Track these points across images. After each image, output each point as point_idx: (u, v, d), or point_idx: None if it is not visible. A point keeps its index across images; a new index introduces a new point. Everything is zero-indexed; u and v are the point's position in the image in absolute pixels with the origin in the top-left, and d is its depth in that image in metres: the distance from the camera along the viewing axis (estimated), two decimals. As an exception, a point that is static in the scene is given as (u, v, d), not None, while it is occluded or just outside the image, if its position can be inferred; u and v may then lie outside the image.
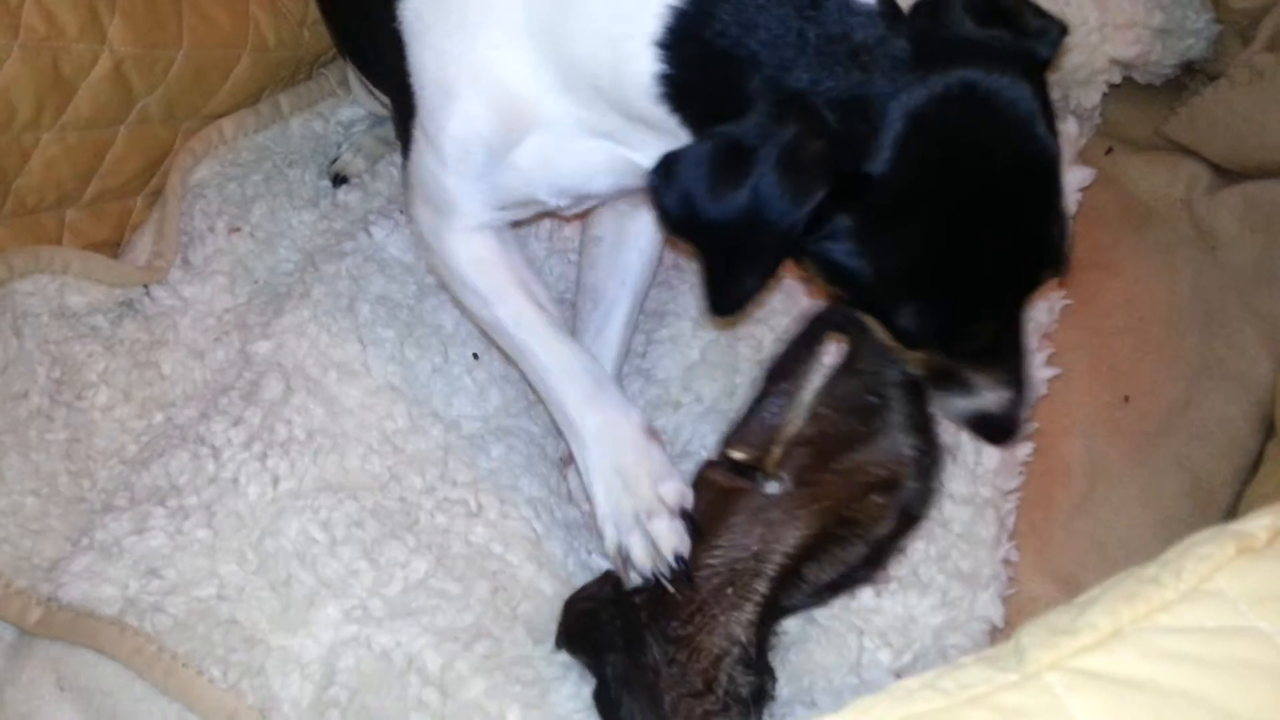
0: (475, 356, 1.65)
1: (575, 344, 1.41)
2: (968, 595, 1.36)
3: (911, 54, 1.09)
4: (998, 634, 1.35)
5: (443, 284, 1.52)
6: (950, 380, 1.27)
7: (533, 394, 1.54)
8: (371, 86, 1.74)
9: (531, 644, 1.37)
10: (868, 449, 1.32)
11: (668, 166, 1.13)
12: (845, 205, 1.09)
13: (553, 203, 1.36)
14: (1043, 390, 1.53)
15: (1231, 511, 1.50)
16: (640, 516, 1.29)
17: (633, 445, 1.33)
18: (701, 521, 1.30)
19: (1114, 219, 1.81)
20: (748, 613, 1.27)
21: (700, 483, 1.35)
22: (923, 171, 1.09)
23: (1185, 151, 1.87)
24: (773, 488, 1.32)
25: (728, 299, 1.17)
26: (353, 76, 1.95)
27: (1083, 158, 1.84)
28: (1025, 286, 1.17)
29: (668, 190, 1.13)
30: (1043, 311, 1.60)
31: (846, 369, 1.36)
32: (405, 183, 1.45)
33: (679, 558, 1.27)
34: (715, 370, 1.61)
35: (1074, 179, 1.74)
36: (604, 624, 1.31)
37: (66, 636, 1.38)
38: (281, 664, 1.34)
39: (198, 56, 1.77)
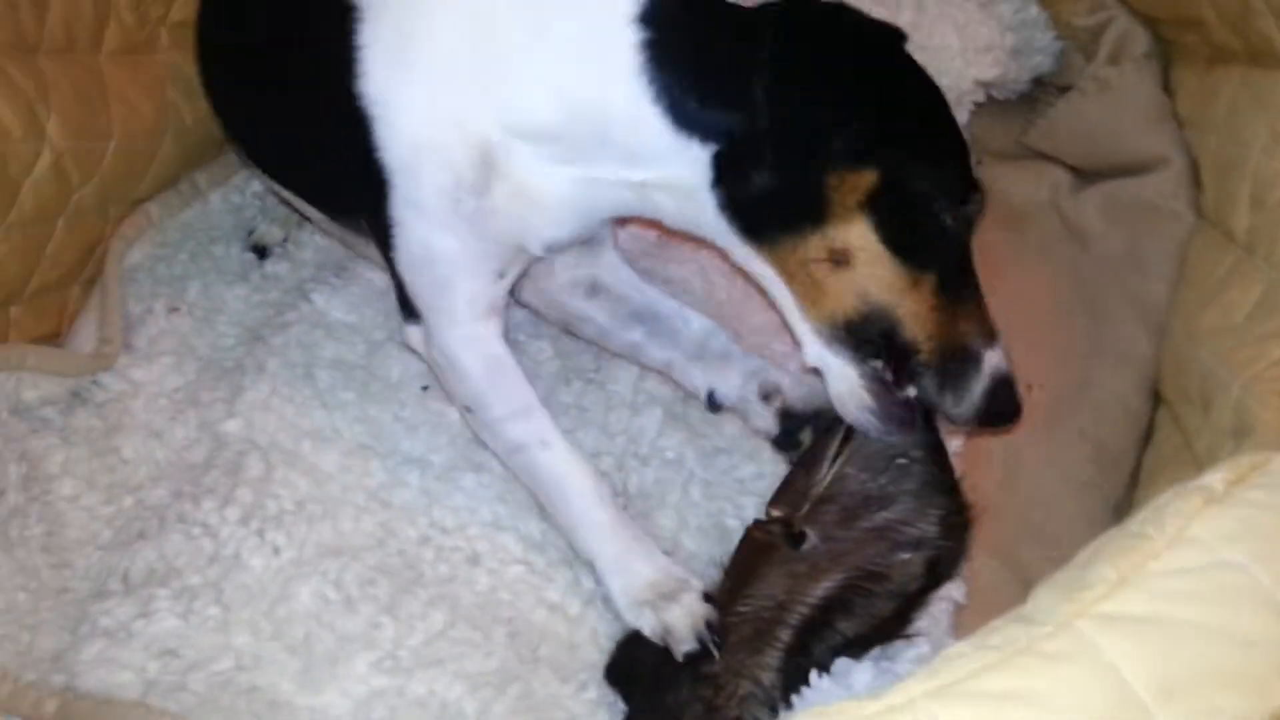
0: (424, 389, 1.75)
1: (593, 467, 1.54)
2: None
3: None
4: (961, 609, 1.50)
5: (462, 400, 1.59)
6: (956, 354, 1.38)
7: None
8: (328, 224, 1.80)
9: (559, 683, 1.46)
10: (896, 508, 1.41)
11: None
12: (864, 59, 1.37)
13: (535, 249, 1.47)
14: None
15: (1134, 475, 1.69)
16: (669, 598, 1.42)
17: (651, 563, 1.46)
18: (737, 573, 1.43)
19: (992, 225, 1.97)
20: (770, 658, 1.36)
21: (744, 538, 1.47)
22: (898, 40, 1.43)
23: (1046, 158, 2.07)
24: (804, 544, 1.41)
25: None
26: None
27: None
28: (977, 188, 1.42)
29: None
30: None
31: None
32: (399, 297, 1.55)
33: (709, 625, 1.38)
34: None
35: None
36: (643, 660, 1.42)
37: (90, 725, 1.41)
38: (310, 722, 1.41)
39: (126, 144, 1.82)
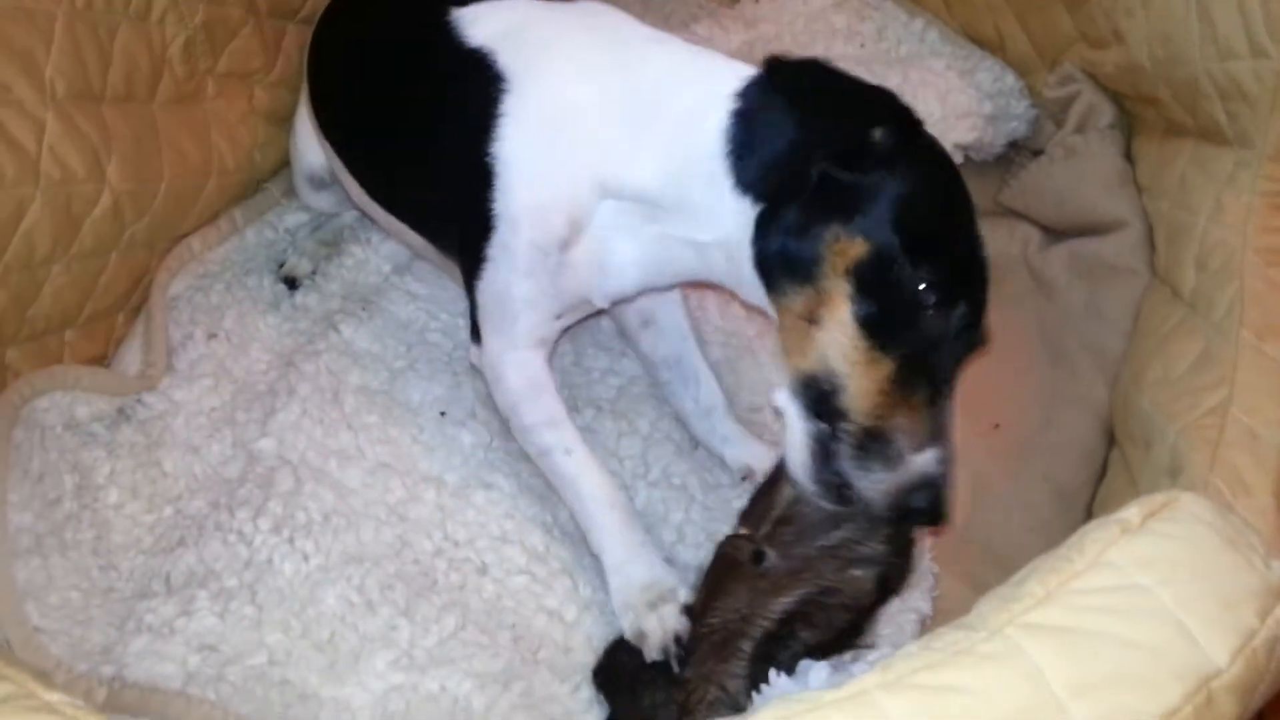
0: (442, 414, 1.92)
1: (610, 476, 1.70)
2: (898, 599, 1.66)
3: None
4: (927, 621, 1.66)
5: (500, 406, 1.77)
6: (879, 444, 1.42)
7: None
8: (396, 226, 1.99)
9: (557, 683, 1.61)
10: (848, 527, 1.48)
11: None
12: (893, 136, 1.43)
13: (598, 302, 1.69)
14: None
15: (1089, 510, 1.85)
16: (652, 605, 1.57)
17: (649, 568, 1.62)
18: (708, 586, 1.56)
19: None
20: (736, 666, 1.48)
21: (716, 553, 1.59)
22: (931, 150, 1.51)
23: (1018, 216, 2.25)
24: (765, 562, 1.51)
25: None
26: (300, 181, 2.21)
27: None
28: (974, 307, 1.44)
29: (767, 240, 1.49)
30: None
31: None
32: (472, 315, 1.73)
33: (678, 638, 1.53)
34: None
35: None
36: (625, 665, 1.56)
37: (136, 711, 1.55)
38: (335, 713, 1.55)
39: (176, 186, 1.99)
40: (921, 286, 1.40)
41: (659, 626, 1.55)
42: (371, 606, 1.65)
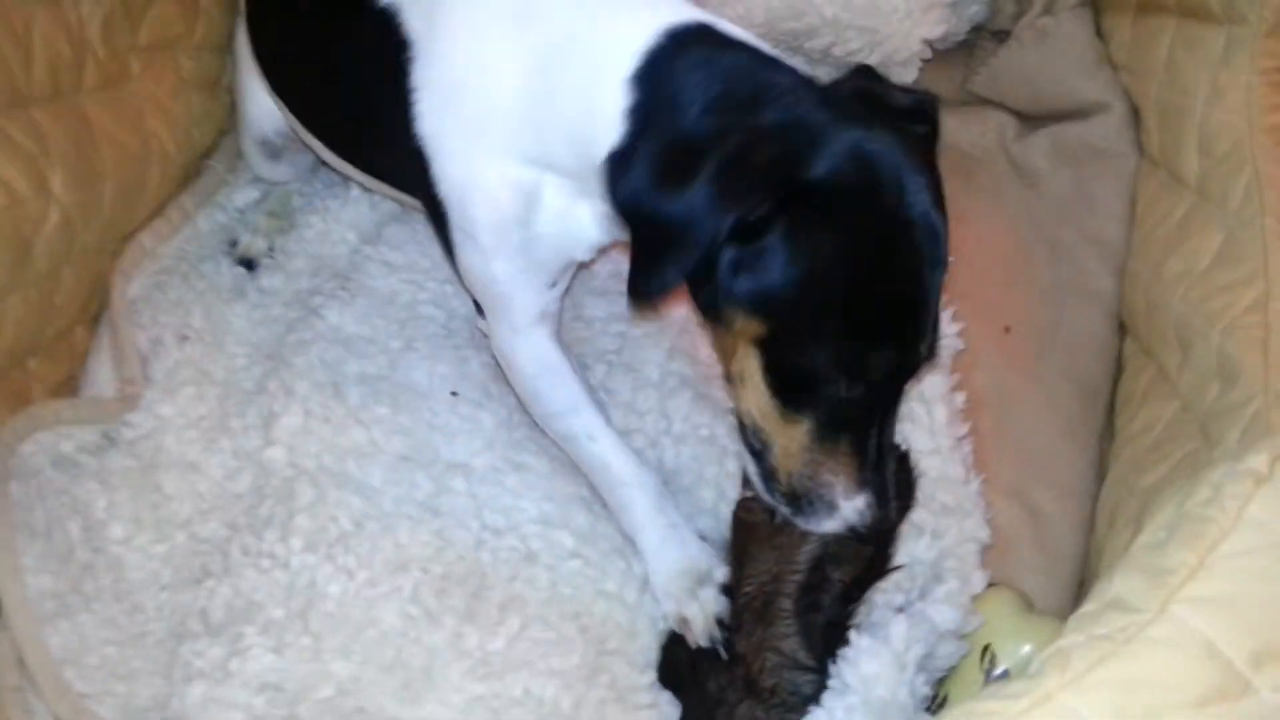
0: (454, 394, 1.82)
1: (636, 458, 1.64)
2: (954, 525, 1.65)
3: (837, 108, 1.27)
4: (988, 550, 1.66)
5: (518, 394, 1.70)
6: (806, 498, 1.39)
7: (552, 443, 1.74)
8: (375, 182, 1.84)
9: (636, 674, 1.59)
10: None
11: (621, 158, 1.27)
12: (782, 211, 1.20)
13: (582, 256, 1.55)
14: (958, 344, 1.84)
15: (1111, 403, 1.87)
16: (691, 591, 1.56)
17: (684, 551, 1.59)
18: (735, 556, 1.55)
19: (947, 172, 2.06)
20: (783, 626, 1.48)
21: (733, 522, 1.58)
22: (855, 189, 1.22)
23: (991, 104, 2.21)
24: (780, 516, 1.48)
25: (648, 286, 1.25)
26: (251, 150, 2.03)
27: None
28: (908, 357, 1.31)
29: (620, 183, 1.25)
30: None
31: None
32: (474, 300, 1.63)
33: (720, 621, 1.53)
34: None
35: (921, 150, 2.05)
36: (681, 659, 1.55)
37: (208, 766, 1.49)
38: (419, 735, 1.51)
39: (121, 182, 1.83)
40: (826, 362, 1.29)
41: (700, 612, 1.54)
42: (432, 617, 1.59)
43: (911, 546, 1.64)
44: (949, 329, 1.86)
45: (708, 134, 1.23)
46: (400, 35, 1.47)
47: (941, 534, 1.65)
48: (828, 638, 1.50)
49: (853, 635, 1.48)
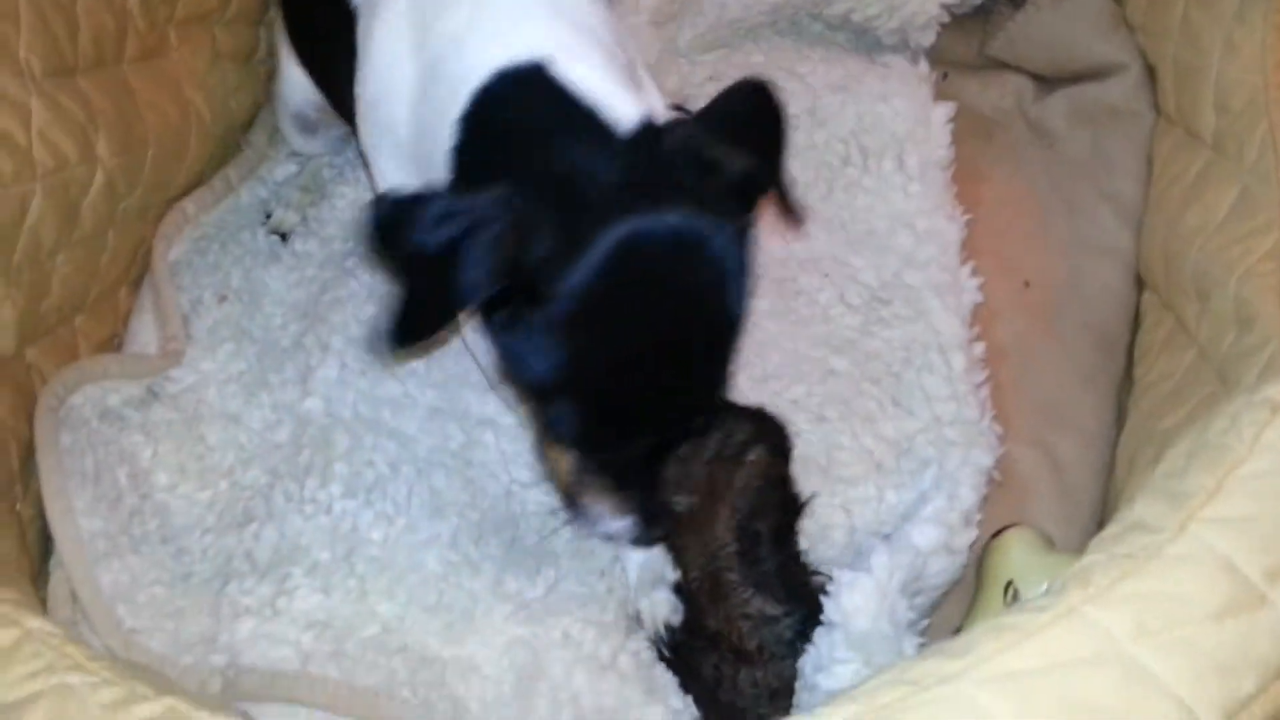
0: None
1: None
2: (958, 453, 1.69)
3: (631, 185, 1.17)
4: (995, 485, 1.70)
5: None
6: (582, 513, 1.41)
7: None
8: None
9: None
10: (714, 438, 1.57)
11: (384, 202, 1.22)
12: (531, 302, 1.15)
13: None
14: (978, 298, 1.89)
15: (1129, 354, 1.91)
16: (645, 588, 1.60)
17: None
18: (671, 551, 1.59)
19: (966, 135, 2.16)
20: (742, 594, 1.50)
21: None
22: (607, 287, 1.15)
23: (1008, 67, 2.24)
24: (682, 505, 1.53)
25: (405, 333, 1.20)
26: (287, 124, 2.08)
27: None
28: (675, 425, 1.30)
29: (377, 229, 1.20)
30: (955, 229, 1.96)
31: None
32: None
33: (668, 625, 1.57)
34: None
35: (940, 114, 2.10)
36: (669, 659, 1.59)
37: (258, 697, 1.53)
38: (461, 673, 1.55)
39: (162, 149, 1.88)
40: (580, 424, 1.27)
41: (650, 613, 1.59)
42: (472, 564, 1.64)
43: (918, 481, 1.68)
44: (969, 283, 1.90)
45: (482, 203, 1.14)
46: (353, 40, 1.49)
47: (945, 465, 1.69)
48: (785, 577, 1.53)
49: (836, 572, 1.49)
